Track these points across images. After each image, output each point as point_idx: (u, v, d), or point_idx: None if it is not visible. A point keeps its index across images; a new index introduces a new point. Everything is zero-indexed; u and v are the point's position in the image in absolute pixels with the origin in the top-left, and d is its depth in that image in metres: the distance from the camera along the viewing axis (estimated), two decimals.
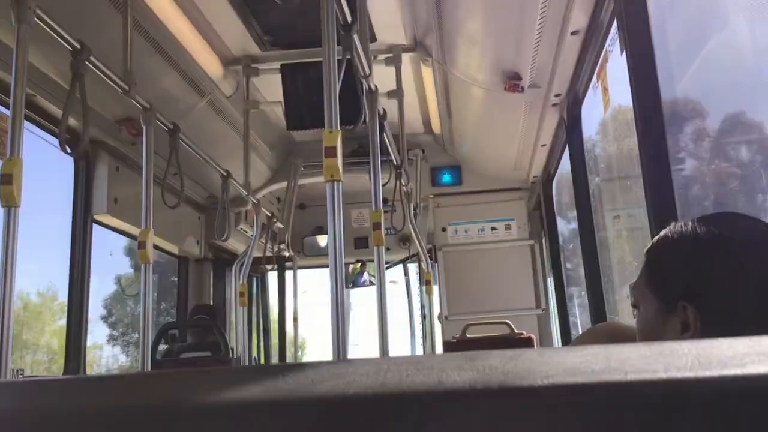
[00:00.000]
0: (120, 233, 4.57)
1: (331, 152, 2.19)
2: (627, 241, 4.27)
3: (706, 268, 1.19)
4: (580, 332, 4.95)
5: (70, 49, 2.68)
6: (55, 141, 3.79)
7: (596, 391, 0.39)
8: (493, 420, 0.38)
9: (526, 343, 4.25)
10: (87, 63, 2.72)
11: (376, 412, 0.39)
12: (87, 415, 0.45)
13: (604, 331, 1.83)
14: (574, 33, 3.37)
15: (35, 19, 2.47)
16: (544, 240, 5.85)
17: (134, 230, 4.16)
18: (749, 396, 0.38)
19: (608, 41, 3.27)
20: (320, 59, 2.39)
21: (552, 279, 5.68)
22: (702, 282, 1.19)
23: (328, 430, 0.39)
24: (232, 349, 5.17)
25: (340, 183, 2.24)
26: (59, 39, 2.62)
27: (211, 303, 5.76)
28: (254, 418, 0.40)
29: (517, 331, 4.38)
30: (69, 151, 2.78)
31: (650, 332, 1.27)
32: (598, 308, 3.91)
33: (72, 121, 3.47)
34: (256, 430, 0.40)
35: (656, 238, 1.34)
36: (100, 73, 2.81)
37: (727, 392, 0.38)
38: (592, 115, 4.01)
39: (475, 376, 0.40)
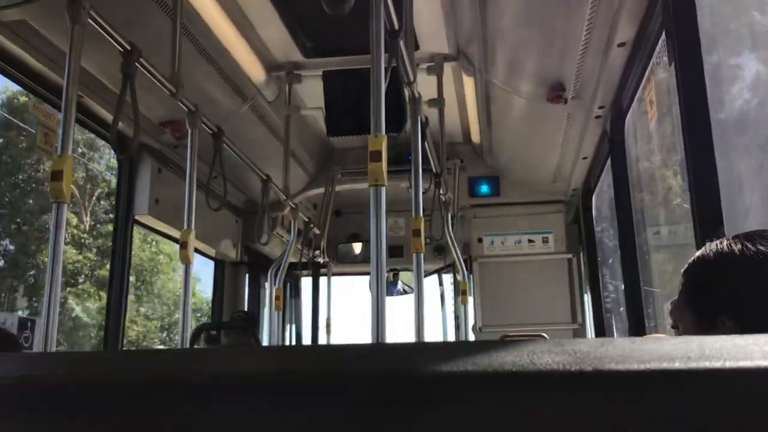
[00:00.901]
0: (160, 234, 4.64)
1: (376, 156, 2.20)
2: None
3: (743, 283, 1.19)
4: None
5: (121, 50, 2.73)
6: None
7: (694, 377, 0.38)
8: (587, 403, 0.38)
9: None
10: (137, 64, 2.76)
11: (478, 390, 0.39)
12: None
13: None
14: (620, 45, 3.34)
15: (88, 20, 2.53)
16: (582, 254, 5.78)
17: (173, 231, 4.21)
18: None
19: (655, 54, 3.24)
20: (363, 66, 2.41)
21: (589, 294, 5.61)
22: (740, 296, 1.18)
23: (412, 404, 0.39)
24: None
25: (384, 188, 2.24)
26: (111, 40, 2.67)
27: (246, 308, 5.80)
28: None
29: None
30: (120, 153, 2.82)
31: None
32: (637, 325, 3.85)
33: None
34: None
35: (693, 258, 1.34)
36: (149, 75, 2.85)
37: None
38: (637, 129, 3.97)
39: (566, 359, 0.39)
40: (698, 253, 1.32)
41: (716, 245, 1.27)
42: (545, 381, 0.39)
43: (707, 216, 2.56)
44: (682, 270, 1.37)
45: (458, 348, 0.42)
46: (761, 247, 1.19)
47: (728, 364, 0.39)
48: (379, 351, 0.46)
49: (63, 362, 0.59)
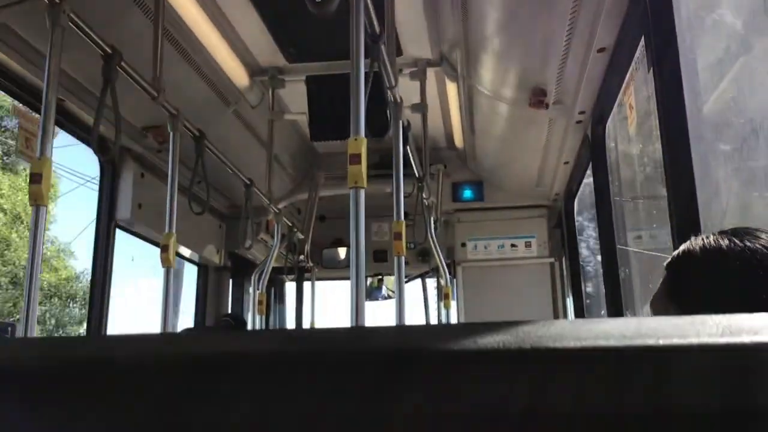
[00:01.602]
0: (143, 239, 4.62)
1: (355, 159, 2.21)
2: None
3: (731, 279, 1.19)
4: None
5: (102, 53, 2.73)
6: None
7: (628, 355, 0.39)
8: (526, 380, 0.39)
9: None
10: (118, 68, 2.76)
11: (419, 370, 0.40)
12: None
13: None
14: (600, 50, 3.37)
15: (69, 23, 2.53)
16: (564, 258, 5.82)
17: (156, 236, 4.20)
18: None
19: (635, 59, 3.27)
20: (346, 71, 2.41)
21: (571, 298, 5.64)
22: (725, 291, 1.19)
23: (380, 384, 0.40)
24: None
25: (363, 191, 2.25)
26: (91, 43, 2.67)
27: (230, 311, 5.79)
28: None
29: None
30: (101, 156, 2.82)
31: None
32: None
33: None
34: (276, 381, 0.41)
35: (677, 252, 1.34)
36: (130, 79, 2.85)
37: (758, 358, 0.39)
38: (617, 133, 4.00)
39: (511, 339, 0.41)
40: (683, 247, 1.32)
41: (702, 240, 1.28)
42: (487, 359, 0.40)
43: (685, 217, 2.59)
44: (665, 263, 1.37)
45: (412, 330, 0.43)
46: (748, 243, 1.20)
47: (661, 342, 0.40)
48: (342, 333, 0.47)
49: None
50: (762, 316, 0.43)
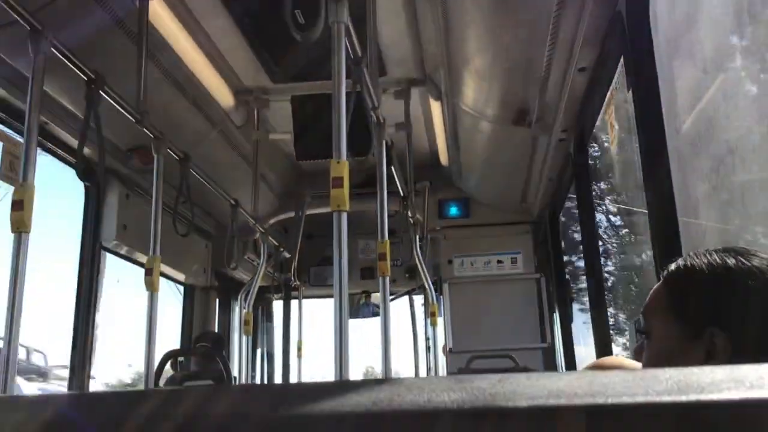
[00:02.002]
0: (128, 260, 4.60)
1: (338, 182, 2.22)
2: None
3: (740, 296, 1.19)
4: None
5: (85, 78, 2.73)
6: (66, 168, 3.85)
7: (577, 414, 0.40)
8: None
9: None
10: (101, 92, 2.77)
11: (368, 430, 0.41)
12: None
13: (609, 366, 1.82)
14: (581, 70, 3.41)
15: (51, 49, 2.53)
16: (550, 274, 5.84)
17: (142, 258, 4.19)
18: (724, 421, 0.39)
19: (615, 78, 3.32)
20: (330, 91, 2.43)
21: (558, 314, 5.66)
22: (736, 309, 1.19)
23: None
24: (235, 378, 5.16)
25: (346, 214, 2.26)
26: (74, 69, 2.67)
27: (215, 331, 5.77)
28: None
29: (521, 365, 4.37)
30: (85, 180, 2.81)
31: (668, 357, 1.24)
32: (603, 343, 3.90)
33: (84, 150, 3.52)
34: None
35: (678, 263, 1.32)
36: (113, 102, 2.86)
37: (702, 417, 0.40)
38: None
39: (463, 397, 0.42)
40: (686, 262, 1.31)
41: (705, 255, 1.28)
42: (442, 418, 0.41)
43: (665, 235, 2.62)
44: (664, 275, 1.35)
45: (359, 386, 0.44)
46: (755, 263, 1.21)
47: (610, 400, 0.41)
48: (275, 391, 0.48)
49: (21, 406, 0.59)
50: (714, 370, 0.44)
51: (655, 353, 1.28)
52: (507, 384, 0.43)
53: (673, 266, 1.33)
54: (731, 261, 1.22)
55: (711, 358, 1.17)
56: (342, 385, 0.44)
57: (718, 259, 1.24)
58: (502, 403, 0.41)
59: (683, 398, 0.41)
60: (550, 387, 0.42)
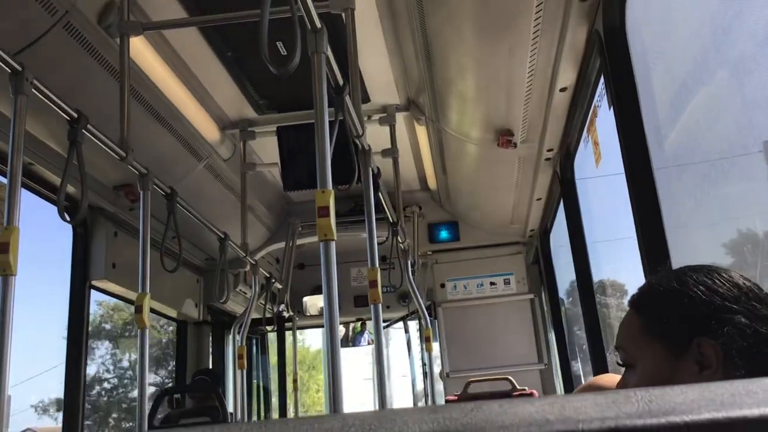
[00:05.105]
0: (118, 298, 4.57)
1: (324, 212, 2.22)
2: None
3: (716, 301, 1.20)
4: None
5: (68, 118, 2.73)
6: (53, 208, 3.83)
7: None
8: None
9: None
10: (84, 131, 2.76)
11: None
12: None
13: (604, 384, 1.81)
14: (562, 90, 3.44)
15: (33, 90, 2.53)
16: (543, 294, 5.84)
17: (132, 295, 4.16)
18: None
19: (596, 97, 3.34)
20: (314, 121, 2.43)
21: (553, 333, 5.64)
22: (719, 312, 1.19)
23: None
24: (232, 414, 5.11)
25: (334, 243, 2.25)
26: (56, 109, 2.67)
27: (210, 366, 5.72)
28: None
29: (519, 387, 4.34)
30: (68, 219, 2.79)
31: (662, 380, 1.23)
32: (598, 361, 3.88)
33: (70, 189, 3.51)
34: None
35: (644, 288, 1.34)
36: (97, 141, 2.85)
37: None
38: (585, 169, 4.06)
39: (433, 428, 0.41)
40: (650, 286, 1.32)
41: (672, 273, 1.29)
42: None
43: (654, 251, 2.62)
44: (629, 300, 1.36)
45: (338, 422, 0.43)
46: (722, 274, 1.23)
47: (581, 426, 0.41)
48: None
49: None
50: (686, 389, 0.43)
51: (646, 380, 1.27)
52: (479, 413, 0.42)
53: (637, 293, 1.34)
54: (699, 275, 1.24)
55: (705, 368, 1.17)
56: (313, 422, 0.43)
57: (683, 275, 1.25)
58: None
59: (653, 421, 0.40)
60: (522, 414, 0.42)
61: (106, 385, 20.15)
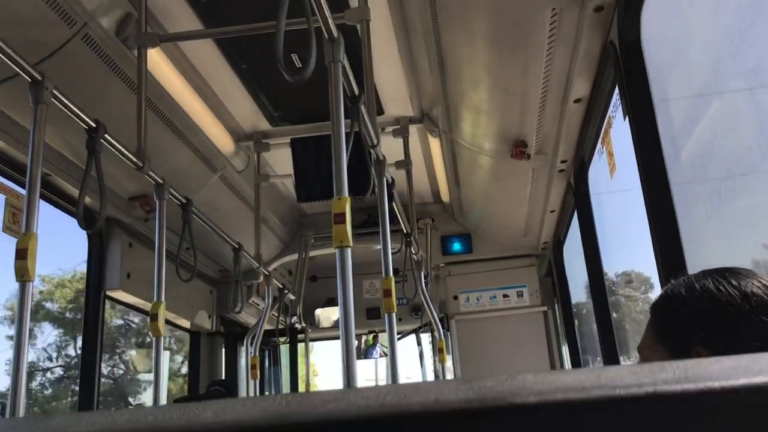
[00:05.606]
0: (132, 308, 4.59)
1: (340, 219, 2.23)
2: None
3: (717, 313, 1.20)
4: None
5: (86, 127, 2.76)
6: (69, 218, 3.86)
7: (586, 406, 0.40)
8: None
9: None
10: (102, 141, 2.79)
11: (376, 430, 0.41)
12: None
13: None
14: (576, 101, 3.45)
15: (52, 99, 2.56)
16: (557, 306, 5.81)
17: (146, 305, 4.18)
18: (733, 407, 0.39)
19: (611, 108, 3.34)
20: (329, 133, 2.45)
21: (566, 345, 5.61)
22: (715, 325, 1.19)
23: None
24: None
25: (349, 249, 2.26)
26: (75, 118, 2.69)
27: (224, 377, 5.72)
28: None
29: None
30: (86, 228, 2.82)
31: None
32: None
33: (87, 199, 3.54)
34: None
35: (661, 294, 1.36)
36: (114, 151, 2.88)
37: (712, 404, 0.40)
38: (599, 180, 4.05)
39: (470, 395, 0.41)
40: (666, 288, 1.34)
41: (684, 280, 1.30)
42: (450, 417, 0.41)
43: (670, 258, 2.61)
44: (650, 306, 1.38)
45: (366, 392, 0.44)
46: (734, 282, 1.23)
47: (619, 392, 0.41)
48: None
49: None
50: (721, 359, 0.44)
51: None
52: (515, 381, 0.42)
53: (657, 297, 1.36)
54: (708, 281, 1.24)
55: None
56: (349, 392, 0.44)
57: (695, 282, 1.26)
58: (510, 400, 0.41)
59: (691, 386, 0.40)
60: (558, 383, 0.42)
61: (50, 375, 17.82)
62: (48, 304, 17.25)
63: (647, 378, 0.41)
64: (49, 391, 17.66)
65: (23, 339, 2.26)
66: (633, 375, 0.42)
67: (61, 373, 17.73)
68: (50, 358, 17.70)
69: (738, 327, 1.18)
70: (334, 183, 2.31)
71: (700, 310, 1.23)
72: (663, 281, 2.62)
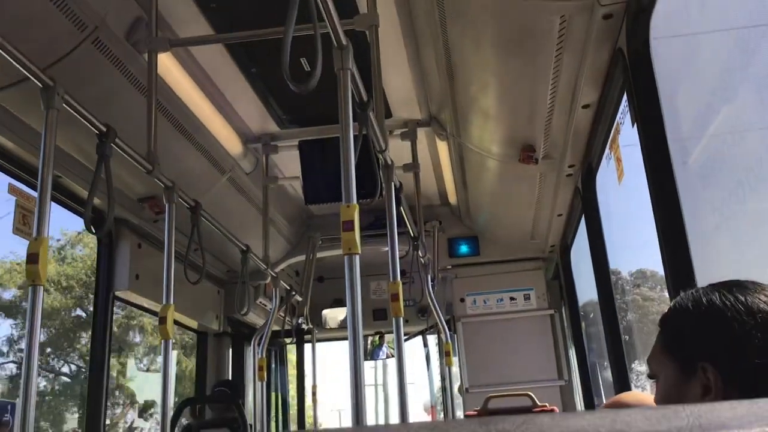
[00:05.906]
0: (141, 309, 4.62)
1: (348, 226, 2.24)
2: None
3: (724, 330, 1.21)
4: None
5: (97, 132, 2.77)
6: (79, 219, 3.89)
7: None
8: None
9: None
10: (112, 145, 2.80)
11: None
12: None
13: (629, 401, 1.82)
14: (585, 106, 3.44)
15: (63, 104, 2.57)
16: (564, 309, 5.81)
17: (154, 306, 4.20)
18: None
19: (619, 114, 3.34)
20: (337, 135, 2.46)
21: (574, 349, 5.61)
22: (720, 341, 1.20)
23: None
24: (251, 425, 5.12)
25: (358, 256, 2.27)
26: (86, 123, 2.71)
27: (230, 378, 5.74)
28: None
29: (539, 403, 4.31)
30: (94, 230, 2.83)
31: (671, 400, 1.27)
32: (621, 379, 3.86)
33: (96, 201, 3.56)
34: None
35: (670, 306, 1.37)
36: (124, 154, 2.89)
37: None
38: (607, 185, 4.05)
39: None
40: (675, 302, 1.35)
41: (692, 293, 1.31)
42: None
43: (678, 268, 2.61)
44: (659, 319, 1.39)
45: (394, 431, 0.44)
46: (741, 297, 1.23)
47: None
48: None
49: None
50: (735, 405, 0.44)
51: (662, 396, 1.31)
52: (531, 425, 0.43)
53: (668, 309, 1.37)
54: (715, 296, 1.24)
55: (707, 393, 1.18)
56: (360, 431, 0.44)
57: (702, 296, 1.27)
58: None
59: None
60: (574, 427, 0.43)
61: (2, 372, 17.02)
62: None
63: (662, 426, 0.42)
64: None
65: (34, 342, 2.28)
66: (647, 421, 0.43)
67: (15, 370, 16.83)
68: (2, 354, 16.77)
69: (743, 343, 1.18)
70: (342, 190, 2.32)
71: (706, 326, 1.24)
72: (670, 288, 2.62)
